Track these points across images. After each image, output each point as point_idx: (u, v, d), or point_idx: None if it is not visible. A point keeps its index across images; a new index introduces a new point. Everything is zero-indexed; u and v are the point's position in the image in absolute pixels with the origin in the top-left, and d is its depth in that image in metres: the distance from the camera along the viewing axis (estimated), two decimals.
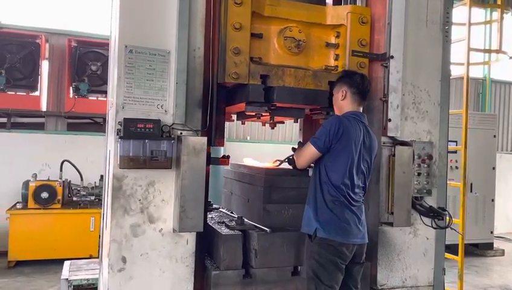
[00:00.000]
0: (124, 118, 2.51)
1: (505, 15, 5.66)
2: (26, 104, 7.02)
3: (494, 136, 7.59)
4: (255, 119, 3.36)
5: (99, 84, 7.17)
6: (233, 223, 3.00)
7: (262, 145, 8.25)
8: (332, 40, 3.18)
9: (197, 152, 2.59)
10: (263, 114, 2.97)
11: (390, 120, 3.13)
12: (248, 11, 2.82)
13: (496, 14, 6.63)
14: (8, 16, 7.11)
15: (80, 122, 7.48)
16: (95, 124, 7.49)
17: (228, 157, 3.02)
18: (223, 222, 3.08)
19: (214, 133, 2.88)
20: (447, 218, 3.22)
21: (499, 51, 5.57)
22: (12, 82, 6.73)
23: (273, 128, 3.92)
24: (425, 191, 3.21)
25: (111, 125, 2.83)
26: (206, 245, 2.92)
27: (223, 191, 3.94)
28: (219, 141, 2.96)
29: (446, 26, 3.36)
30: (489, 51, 6.09)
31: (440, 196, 3.33)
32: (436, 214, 3.21)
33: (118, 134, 2.55)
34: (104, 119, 7.36)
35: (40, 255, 6.06)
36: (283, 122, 3.89)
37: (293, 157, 2.93)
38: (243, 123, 3.82)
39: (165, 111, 2.69)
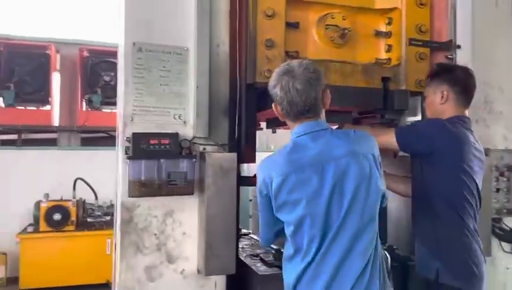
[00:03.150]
0: (133, 133, 1.99)
1: None
2: (37, 119, 6.64)
3: None
4: None
5: (113, 95, 6.73)
6: (271, 257, 2.44)
7: None
8: (383, 28, 2.62)
9: (226, 172, 2.05)
10: None
11: None
12: None
13: None
14: (16, 27, 6.78)
15: (94, 136, 7.07)
16: (109, 138, 7.06)
17: None
18: (258, 255, 2.53)
19: (244, 147, 2.34)
20: None
21: None
22: (22, 96, 6.36)
23: None
24: (505, 210, 2.60)
25: (120, 141, 2.32)
26: (238, 286, 2.37)
27: (252, 213, 3.39)
28: (250, 157, 2.42)
29: None
30: None
31: None
32: None
33: (126, 153, 2.04)
34: None
35: (53, 282, 5.60)
36: None
37: None
38: (274, 132, 3.27)
39: (184, 122, 2.17)
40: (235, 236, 2.10)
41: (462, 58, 2.56)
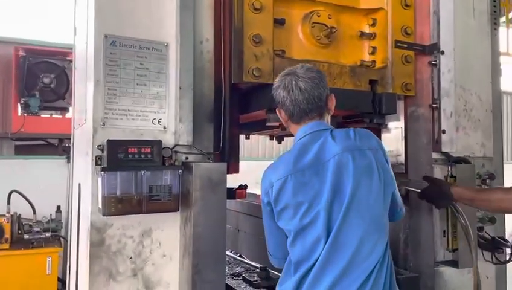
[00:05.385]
0: (109, 140, 1.70)
1: None
2: None
3: None
4: (275, 131, 2.63)
5: (53, 99, 6.20)
6: (256, 276, 2.23)
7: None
8: (367, 29, 2.53)
9: (215, 185, 1.82)
10: None
11: (444, 132, 2.48)
12: None
13: None
14: None
15: (31, 144, 6.42)
16: (49, 146, 6.45)
17: (246, 187, 2.26)
18: (240, 275, 2.30)
19: (228, 156, 2.11)
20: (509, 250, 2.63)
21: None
22: None
23: (280, 142, 3.22)
24: (487, 219, 2.58)
25: (83, 151, 2.00)
26: None
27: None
28: (234, 167, 2.20)
29: (494, 17, 2.80)
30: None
31: (499, 223, 2.72)
32: (498, 247, 2.60)
33: (98, 163, 1.73)
34: (60, 139, 6.40)
35: None
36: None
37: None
38: (247, 137, 3.07)
39: (164, 128, 1.90)
40: (225, 257, 1.86)
41: (445, 64, 2.52)
